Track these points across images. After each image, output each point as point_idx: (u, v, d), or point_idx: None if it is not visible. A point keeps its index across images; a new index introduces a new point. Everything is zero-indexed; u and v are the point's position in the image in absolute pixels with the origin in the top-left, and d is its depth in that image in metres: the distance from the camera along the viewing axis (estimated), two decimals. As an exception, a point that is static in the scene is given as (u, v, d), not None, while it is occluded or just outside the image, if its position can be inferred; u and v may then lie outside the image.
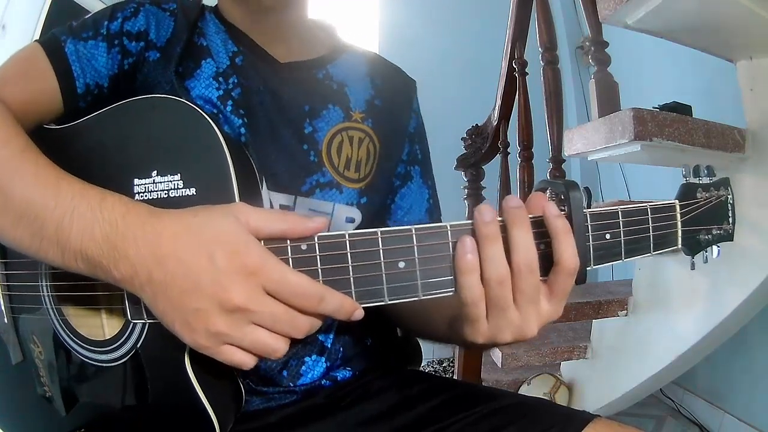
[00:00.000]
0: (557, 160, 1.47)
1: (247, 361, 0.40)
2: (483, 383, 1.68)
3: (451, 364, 2.71)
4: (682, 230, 0.48)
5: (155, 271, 0.38)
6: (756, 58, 1.17)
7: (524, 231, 0.40)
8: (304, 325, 0.39)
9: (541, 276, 0.41)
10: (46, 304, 0.53)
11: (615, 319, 1.48)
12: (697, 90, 1.82)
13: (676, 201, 0.48)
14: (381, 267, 0.40)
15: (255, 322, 0.38)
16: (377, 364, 0.68)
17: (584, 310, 1.43)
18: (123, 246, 0.38)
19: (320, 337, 0.63)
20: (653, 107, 1.20)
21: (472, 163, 1.93)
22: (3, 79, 0.54)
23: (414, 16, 2.94)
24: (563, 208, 0.42)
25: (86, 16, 0.59)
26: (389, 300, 0.41)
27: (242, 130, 0.58)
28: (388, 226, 0.41)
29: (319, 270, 0.40)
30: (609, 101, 1.23)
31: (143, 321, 0.45)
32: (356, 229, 0.63)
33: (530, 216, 0.41)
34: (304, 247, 0.40)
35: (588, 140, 1.19)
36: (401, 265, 0.40)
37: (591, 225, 0.43)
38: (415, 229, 0.41)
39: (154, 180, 0.45)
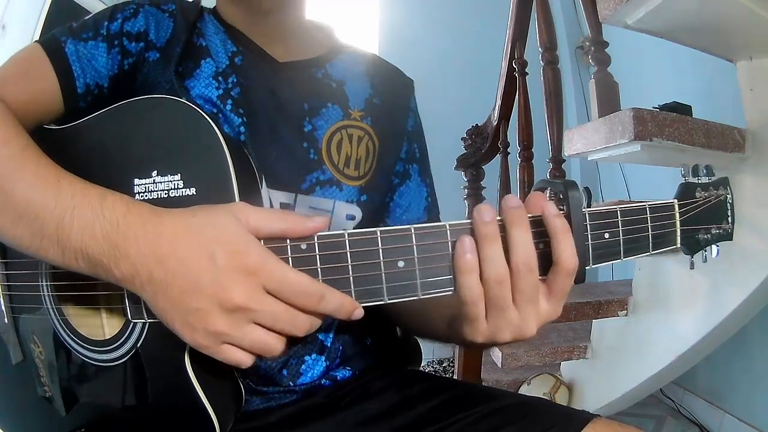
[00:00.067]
0: (557, 160, 1.47)
1: (246, 360, 0.40)
2: (483, 383, 1.68)
3: (451, 364, 2.71)
4: (681, 229, 0.48)
5: (156, 271, 0.38)
6: (756, 58, 1.17)
7: (523, 231, 0.40)
8: (304, 324, 0.40)
9: (540, 275, 0.41)
10: (46, 304, 0.53)
11: (615, 319, 1.48)
12: (697, 90, 1.82)
13: (675, 200, 0.48)
14: (380, 266, 0.40)
15: (255, 321, 0.39)
16: (377, 363, 0.69)
17: (584, 310, 1.43)
18: (124, 245, 0.39)
19: (320, 336, 0.63)
20: (653, 107, 1.19)
21: (472, 163, 1.93)
22: (3, 79, 0.54)
23: (414, 16, 2.94)
24: (562, 207, 0.42)
25: (86, 17, 0.59)
26: (389, 299, 0.41)
27: (242, 129, 0.58)
28: (387, 225, 0.41)
29: (319, 269, 0.40)
30: (609, 101, 1.24)
31: (143, 320, 0.45)
32: (356, 226, 0.63)
33: (529, 215, 0.41)
34: (303, 246, 0.40)
35: (588, 140, 1.19)
36: (400, 264, 0.41)
37: (590, 224, 0.43)
38: (415, 228, 0.41)
39: (154, 180, 0.45)
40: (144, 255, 0.38)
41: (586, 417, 0.53)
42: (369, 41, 3.03)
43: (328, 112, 0.64)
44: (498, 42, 1.88)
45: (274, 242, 0.40)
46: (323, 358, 0.63)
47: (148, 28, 0.59)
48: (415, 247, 0.41)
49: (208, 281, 0.37)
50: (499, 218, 0.41)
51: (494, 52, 1.94)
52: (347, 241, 0.40)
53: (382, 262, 0.40)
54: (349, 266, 0.40)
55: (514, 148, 1.73)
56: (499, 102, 1.84)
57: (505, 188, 1.82)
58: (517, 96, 1.75)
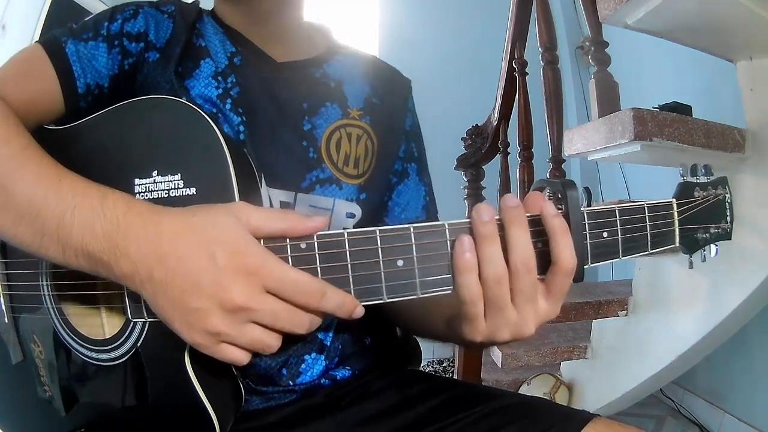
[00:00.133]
0: (557, 160, 1.47)
1: (242, 358, 0.40)
2: (483, 383, 1.68)
3: (451, 364, 2.71)
4: (679, 228, 0.48)
5: (156, 270, 0.38)
6: (756, 58, 1.17)
7: (522, 231, 0.40)
8: (304, 322, 0.40)
9: (538, 274, 0.41)
10: (46, 303, 0.53)
11: (615, 319, 1.48)
12: (697, 90, 1.82)
13: (674, 200, 0.48)
14: (380, 265, 0.41)
15: (255, 321, 0.39)
16: (377, 363, 0.69)
17: (584, 310, 1.43)
18: (124, 244, 0.39)
19: (319, 336, 0.63)
20: (653, 107, 1.19)
21: (472, 163, 1.93)
22: (4, 79, 0.54)
23: (414, 16, 2.95)
24: (560, 207, 0.42)
25: (86, 19, 0.60)
26: (388, 298, 0.41)
27: (241, 128, 0.59)
28: (386, 223, 0.41)
29: (318, 268, 0.40)
30: (609, 101, 1.24)
31: (143, 320, 0.45)
32: (356, 224, 0.63)
33: (528, 215, 0.41)
34: (303, 245, 0.40)
35: (588, 140, 1.19)
36: (400, 263, 0.41)
37: (588, 224, 0.44)
38: (414, 227, 0.41)
39: (154, 180, 0.46)
40: (144, 254, 0.38)
41: (586, 417, 0.53)
42: (369, 41, 3.03)
43: (327, 112, 0.64)
44: (498, 42, 1.88)
45: (274, 242, 0.40)
46: (323, 357, 0.63)
47: (148, 28, 0.59)
48: (414, 246, 0.41)
49: (208, 281, 0.37)
50: (497, 218, 0.41)
51: (494, 52, 1.94)
52: (346, 240, 0.40)
53: (381, 261, 0.40)
54: (349, 265, 0.40)
55: (514, 148, 1.73)
56: (499, 102, 1.84)
57: (505, 188, 1.82)
58: (517, 96, 1.75)
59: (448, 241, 0.41)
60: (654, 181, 2.00)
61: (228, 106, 0.59)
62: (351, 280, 0.41)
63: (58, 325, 0.53)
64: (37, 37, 2.15)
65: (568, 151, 1.30)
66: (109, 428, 0.53)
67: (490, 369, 1.75)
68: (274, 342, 0.40)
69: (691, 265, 0.49)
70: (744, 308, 1.18)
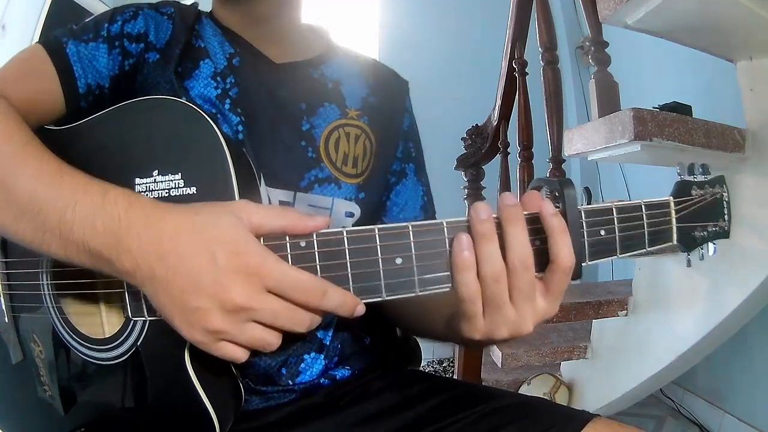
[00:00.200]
0: (557, 160, 1.47)
1: (241, 356, 0.40)
2: (483, 383, 1.68)
3: (451, 364, 2.71)
4: (677, 226, 0.48)
5: (157, 267, 0.38)
6: (756, 58, 1.17)
7: (519, 229, 0.41)
8: (305, 321, 0.40)
9: (536, 272, 0.42)
10: (46, 303, 0.53)
11: (615, 319, 1.48)
12: (697, 90, 1.82)
13: (671, 198, 0.48)
14: (379, 263, 0.41)
15: (255, 320, 0.39)
16: (376, 363, 0.69)
17: (584, 310, 1.43)
18: (126, 240, 0.39)
19: (319, 335, 0.63)
20: (653, 107, 1.19)
21: (472, 163, 1.93)
22: (5, 78, 0.55)
23: (414, 16, 2.95)
24: (558, 205, 0.43)
25: (86, 20, 0.60)
26: (387, 296, 0.41)
27: (240, 128, 0.59)
28: (384, 223, 0.42)
29: (318, 266, 0.41)
30: (609, 101, 1.24)
31: (144, 318, 0.45)
32: (355, 223, 0.63)
33: (525, 213, 0.42)
34: (303, 243, 0.41)
35: (588, 140, 1.19)
36: (398, 261, 0.41)
37: (585, 222, 0.44)
38: (412, 225, 0.41)
39: (155, 179, 0.46)
40: (145, 251, 0.38)
41: (586, 417, 0.53)
42: (369, 41, 3.03)
43: (325, 112, 0.64)
44: (498, 42, 1.88)
45: (274, 240, 0.40)
46: (322, 356, 0.63)
47: (148, 29, 0.60)
48: (412, 244, 0.41)
49: (208, 281, 0.38)
50: (495, 216, 0.41)
51: (494, 52, 1.94)
52: (345, 238, 0.41)
53: (380, 259, 0.41)
54: (348, 263, 0.41)
55: (514, 148, 1.73)
56: (499, 102, 1.84)
57: (505, 188, 1.82)
58: (517, 96, 1.75)
59: (447, 240, 0.41)
60: (654, 181, 2.00)
61: (227, 107, 0.59)
62: (350, 278, 0.41)
63: (58, 325, 0.53)
64: (37, 37, 2.15)
65: (568, 151, 1.30)
66: (109, 428, 0.53)
67: (490, 369, 1.75)
68: (274, 340, 0.40)
69: (689, 263, 0.50)
70: (744, 308, 1.18)
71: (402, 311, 0.64)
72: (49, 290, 0.53)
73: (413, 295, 0.41)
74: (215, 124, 0.46)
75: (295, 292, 0.39)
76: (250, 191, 0.47)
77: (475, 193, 1.92)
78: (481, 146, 1.92)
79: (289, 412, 0.61)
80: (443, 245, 0.41)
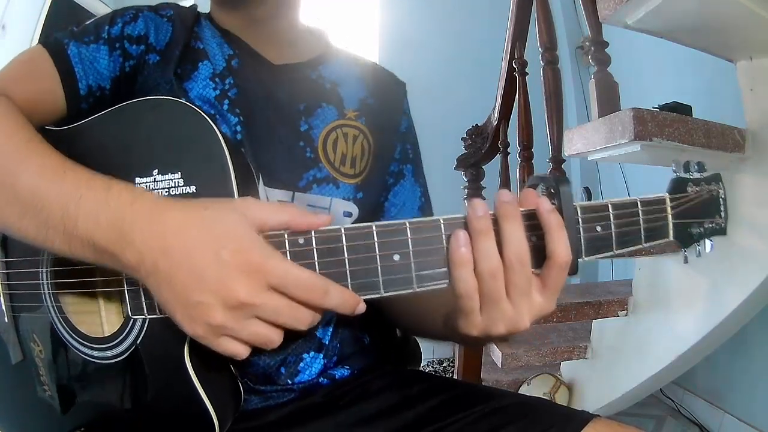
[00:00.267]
0: (557, 160, 1.47)
1: (242, 352, 0.41)
2: (483, 383, 1.68)
3: (451, 364, 2.71)
4: (673, 222, 0.48)
5: (161, 262, 0.38)
6: (756, 58, 1.17)
7: (516, 225, 0.41)
8: (306, 318, 0.40)
9: (533, 268, 0.42)
10: (46, 302, 0.53)
11: (615, 319, 1.48)
12: (697, 90, 1.82)
13: (666, 194, 0.49)
14: (376, 260, 0.41)
15: (257, 316, 0.39)
16: (376, 363, 0.69)
17: (584, 310, 1.43)
18: (130, 234, 0.39)
19: (318, 334, 0.63)
20: (653, 107, 1.19)
21: (472, 163, 1.93)
22: (7, 79, 0.55)
23: (414, 16, 2.95)
24: (554, 202, 0.43)
25: (87, 22, 0.60)
26: (385, 292, 0.41)
27: (238, 128, 0.59)
28: None
29: (316, 263, 0.41)
30: (609, 101, 1.23)
31: (143, 317, 0.45)
32: (353, 223, 0.63)
33: (522, 209, 0.42)
34: (301, 240, 0.41)
35: (588, 140, 1.19)
36: (396, 258, 0.41)
37: (582, 218, 0.44)
38: (409, 222, 0.41)
39: (155, 178, 0.46)
40: (150, 245, 0.39)
41: (585, 417, 0.53)
42: (369, 41, 3.03)
43: (324, 112, 0.65)
44: (498, 42, 1.88)
45: (273, 237, 0.41)
46: (321, 355, 0.63)
47: (148, 31, 0.60)
48: (410, 240, 0.41)
49: (212, 277, 0.38)
50: (492, 212, 0.41)
51: (494, 52, 1.94)
52: (343, 235, 0.41)
53: (378, 256, 0.41)
54: (346, 260, 0.41)
55: (514, 148, 1.73)
56: (499, 102, 1.84)
57: (505, 188, 1.81)
58: (517, 96, 1.75)
59: (444, 236, 0.42)
60: (654, 181, 1.99)
61: (225, 107, 0.59)
62: (348, 274, 0.41)
63: (58, 324, 0.53)
64: (37, 37, 2.15)
65: (568, 151, 1.30)
66: (109, 427, 0.53)
67: (490, 369, 1.75)
68: (275, 337, 0.40)
69: (685, 260, 0.50)
70: (744, 308, 1.18)
71: (401, 311, 0.64)
72: (48, 289, 0.53)
73: (411, 291, 0.42)
74: (213, 123, 0.47)
75: (297, 290, 0.39)
76: (248, 191, 0.47)
77: (475, 193, 1.92)
78: (481, 146, 1.92)
79: (288, 411, 0.61)
80: (440, 242, 0.42)
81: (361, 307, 0.41)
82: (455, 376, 1.93)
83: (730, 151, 1.14)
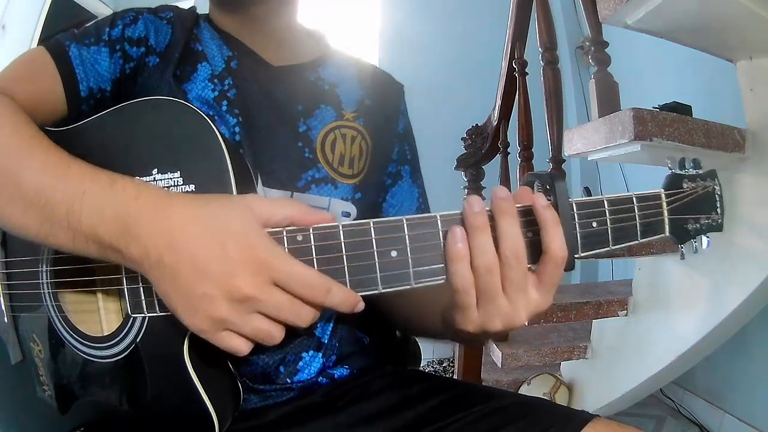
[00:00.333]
0: (557, 160, 1.47)
1: (243, 348, 0.41)
2: (483, 383, 1.68)
3: (451, 364, 2.71)
4: (669, 218, 0.48)
5: (166, 256, 0.38)
6: (756, 58, 1.17)
7: (511, 221, 0.41)
8: (307, 315, 0.41)
9: (529, 263, 0.42)
10: (45, 302, 0.53)
11: (615, 319, 1.48)
12: (697, 90, 1.82)
13: (662, 190, 0.49)
14: (374, 256, 0.41)
15: (259, 311, 0.39)
16: (376, 363, 0.69)
17: (584, 310, 1.43)
18: (135, 229, 0.39)
19: (317, 333, 0.63)
20: (653, 107, 1.20)
21: (472, 163, 1.93)
22: (8, 79, 0.55)
23: (414, 17, 2.95)
24: (549, 198, 0.43)
25: (87, 24, 0.61)
26: (383, 288, 0.42)
27: (237, 128, 0.60)
28: None
29: (315, 259, 0.41)
30: (609, 101, 1.23)
31: (143, 315, 0.45)
32: None
33: (518, 205, 0.42)
34: (300, 237, 0.41)
35: (588, 140, 1.19)
36: (393, 254, 0.41)
37: (577, 213, 0.44)
38: (406, 219, 0.42)
39: (154, 177, 0.46)
40: (155, 239, 0.39)
41: (585, 417, 0.53)
42: (370, 42, 3.03)
43: (322, 113, 0.65)
44: (498, 42, 1.88)
45: (272, 234, 0.41)
46: (320, 354, 0.63)
47: (148, 33, 0.61)
48: (407, 237, 0.41)
49: (217, 269, 0.38)
50: (488, 209, 0.42)
51: (494, 52, 1.94)
52: (341, 232, 0.41)
53: (375, 252, 0.41)
54: (344, 256, 0.41)
55: (514, 148, 1.73)
56: (499, 102, 1.84)
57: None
58: (517, 96, 1.75)
59: (441, 232, 0.42)
60: (654, 181, 1.98)
61: (224, 108, 0.60)
62: (346, 271, 0.41)
63: (58, 323, 0.53)
64: (37, 37, 2.16)
65: (568, 151, 1.30)
66: (109, 427, 0.53)
67: (490, 369, 1.75)
68: (276, 333, 0.40)
69: (682, 256, 0.50)
70: (744, 308, 1.18)
71: (400, 310, 0.64)
72: (48, 288, 0.53)
73: (408, 287, 0.42)
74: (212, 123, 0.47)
75: (300, 287, 0.39)
76: (247, 191, 0.48)
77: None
78: (481, 146, 1.92)
79: (287, 411, 0.61)
80: (437, 238, 0.42)
81: (360, 306, 0.42)
82: (455, 376, 1.93)
83: (730, 151, 1.14)
